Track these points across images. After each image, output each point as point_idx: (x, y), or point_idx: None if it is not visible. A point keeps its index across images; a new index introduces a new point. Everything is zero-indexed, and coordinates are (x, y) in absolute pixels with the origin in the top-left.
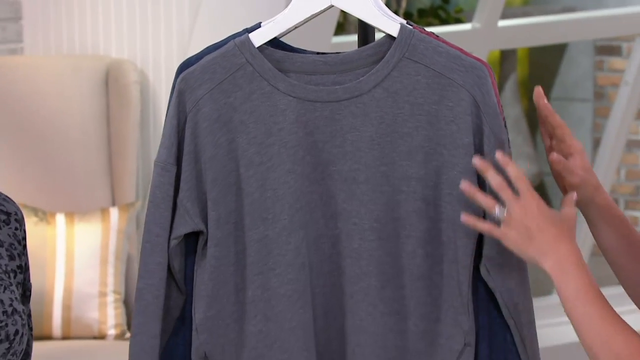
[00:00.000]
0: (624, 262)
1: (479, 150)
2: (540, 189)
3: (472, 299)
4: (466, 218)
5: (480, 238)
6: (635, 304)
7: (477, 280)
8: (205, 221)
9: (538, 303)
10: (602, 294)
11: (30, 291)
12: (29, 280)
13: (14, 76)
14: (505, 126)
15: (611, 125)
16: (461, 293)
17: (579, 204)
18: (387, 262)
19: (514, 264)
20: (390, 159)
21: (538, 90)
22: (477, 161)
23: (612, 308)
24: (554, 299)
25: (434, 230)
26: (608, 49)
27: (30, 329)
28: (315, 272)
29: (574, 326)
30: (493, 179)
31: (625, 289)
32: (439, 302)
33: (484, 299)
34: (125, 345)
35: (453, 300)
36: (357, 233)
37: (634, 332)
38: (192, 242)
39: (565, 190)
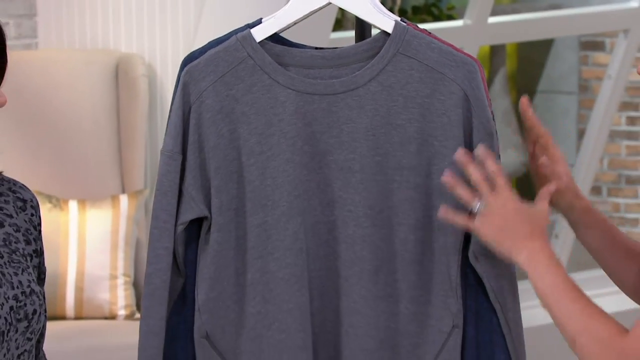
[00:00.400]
0: (611, 262)
1: (469, 141)
2: (527, 177)
3: (460, 284)
4: (443, 212)
5: None
6: (634, 300)
7: (466, 266)
8: (209, 207)
9: (522, 286)
10: (575, 284)
11: (44, 274)
12: (44, 264)
13: (29, 70)
14: (494, 119)
15: (595, 117)
16: (450, 278)
17: (562, 210)
18: (380, 247)
19: None
20: (384, 149)
21: (524, 100)
22: (459, 155)
23: (586, 297)
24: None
25: (426, 218)
26: (592, 44)
27: (45, 310)
28: (312, 256)
29: (553, 318)
30: (472, 173)
31: (619, 287)
32: (429, 286)
33: (471, 283)
34: (134, 325)
35: (443, 285)
36: (351, 220)
37: (609, 316)
38: (193, 227)
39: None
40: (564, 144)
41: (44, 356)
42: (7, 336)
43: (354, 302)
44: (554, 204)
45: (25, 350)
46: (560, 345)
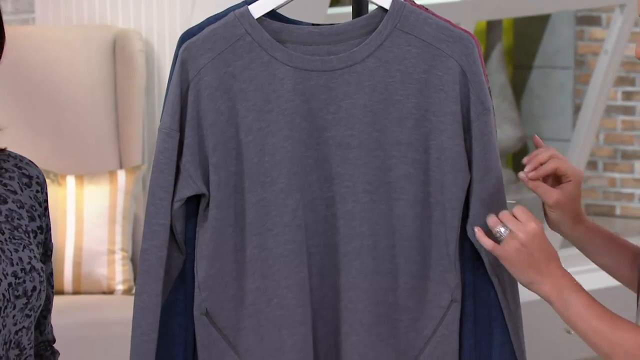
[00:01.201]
0: (618, 270)
1: (467, 116)
2: (523, 151)
3: (459, 258)
4: (479, 233)
5: (466, 200)
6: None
7: (464, 240)
8: (207, 184)
9: None
10: (600, 305)
11: (51, 250)
12: (50, 240)
13: (26, 45)
14: (490, 94)
15: (591, 92)
16: (449, 252)
17: (562, 229)
18: (378, 223)
19: None
20: (382, 125)
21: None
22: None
23: (612, 314)
24: None
25: (424, 193)
26: (588, 19)
27: (52, 286)
28: (310, 232)
29: (586, 340)
30: (498, 216)
31: (622, 282)
32: (427, 261)
33: (469, 258)
34: (132, 300)
35: (441, 259)
36: (350, 195)
37: (637, 326)
38: (193, 205)
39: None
40: (560, 119)
41: (52, 331)
42: (4, 312)
43: (353, 278)
44: (556, 224)
45: (23, 327)
46: (552, 319)
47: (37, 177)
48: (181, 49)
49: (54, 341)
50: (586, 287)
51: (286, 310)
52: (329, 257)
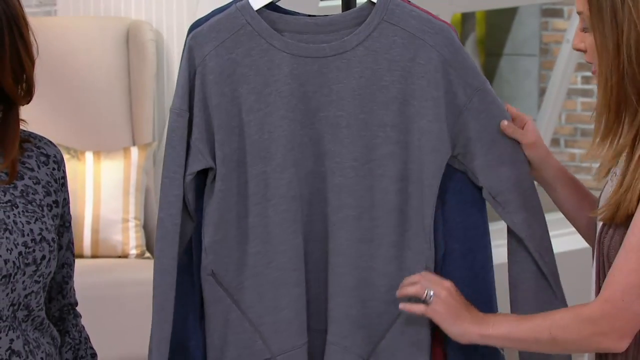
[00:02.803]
0: (577, 215)
1: (454, 101)
2: None
3: (432, 231)
4: (403, 306)
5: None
6: (590, 244)
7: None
8: (214, 159)
9: (493, 227)
10: (519, 316)
11: (69, 222)
12: (69, 213)
13: (48, 35)
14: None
15: (554, 77)
16: (424, 225)
17: (535, 166)
18: (363, 196)
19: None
20: (369, 107)
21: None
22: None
23: (533, 315)
24: (504, 223)
25: (405, 171)
26: (552, 11)
27: (72, 254)
28: (305, 203)
29: (530, 345)
30: (414, 279)
31: (581, 235)
32: (406, 232)
33: (455, 227)
34: (144, 263)
35: (418, 231)
36: (338, 170)
37: (558, 310)
38: (201, 178)
39: None
40: (527, 101)
41: (74, 295)
42: (14, 278)
43: (340, 245)
44: (529, 161)
45: (32, 292)
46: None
47: (55, 156)
48: (189, 37)
49: (76, 304)
50: (564, 249)
51: (282, 272)
52: (321, 225)
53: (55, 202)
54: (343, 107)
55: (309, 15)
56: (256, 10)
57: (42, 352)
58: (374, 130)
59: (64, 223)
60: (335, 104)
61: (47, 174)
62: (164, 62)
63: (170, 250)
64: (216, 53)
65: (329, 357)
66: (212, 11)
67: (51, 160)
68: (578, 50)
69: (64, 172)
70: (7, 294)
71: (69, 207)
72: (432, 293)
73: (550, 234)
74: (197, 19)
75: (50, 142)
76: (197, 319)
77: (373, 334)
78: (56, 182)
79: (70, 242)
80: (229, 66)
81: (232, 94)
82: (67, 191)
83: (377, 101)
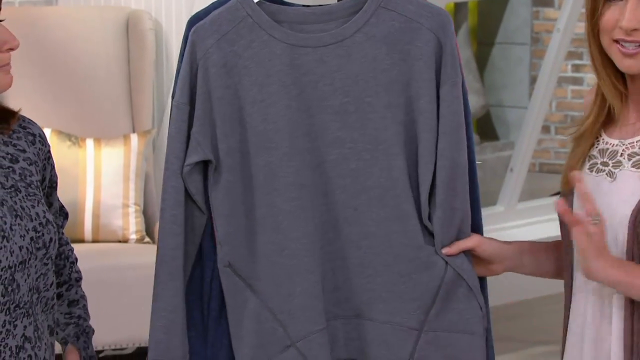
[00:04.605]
0: (548, 269)
1: (437, 80)
2: (486, 118)
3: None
4: (561, 205)
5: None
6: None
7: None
8: (214, 152)
9: (485, 212)
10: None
11: (56, 183)
12: (55, 175)
13: (50, 24)
14: (462, 69)
15: (545, 65)
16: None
17: (494, 261)
18: (382, 176)
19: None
20: (373, 90)
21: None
22: (559, 206)
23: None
24: (497, 208)
25: (410, 150)
26: (543, 0)
27: (65, 215)
28: (319, 191)
29: None
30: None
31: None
32: (420, 205)
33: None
34: (143, 248)
35: (424, 204)
36: (353, 155)
37: None
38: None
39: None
40: (518, 89)
41: (80, 277)
42: (29, 263)
43: (368, 227)
44: (487, 260)
45: (41, 274)
46: None
47: (39, 135)
48: (191, 32)
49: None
50: (551, 236)
51: (297, 260)
52: (339, 213)
53: (44, 178)
54: (348, 93)
55: (305, 6)
56: (256, 2)
57: (45, 344)
58: (382, 112)
59: (52, 185)
60: (340, 91)
61: (34, 154)
62: (163, 51)
63: (169, 240)
64: (218, 46)
65: (382, 337)
66: (211, 4)
67: (37, 140)
68: (635, 29)
69: (49, 145)
70: (25, 280)
71: (54, 170)
72: (599, 219)
73: (547, 217)
74: (195, 8)
75: (31, 120)
76: (200, 310)
77: (422, 304)
78: (40, 162)
79: (61, 208)
80: (231, 59)
81: (235, 86)
82: (52, 161)
83: (381, 84)
